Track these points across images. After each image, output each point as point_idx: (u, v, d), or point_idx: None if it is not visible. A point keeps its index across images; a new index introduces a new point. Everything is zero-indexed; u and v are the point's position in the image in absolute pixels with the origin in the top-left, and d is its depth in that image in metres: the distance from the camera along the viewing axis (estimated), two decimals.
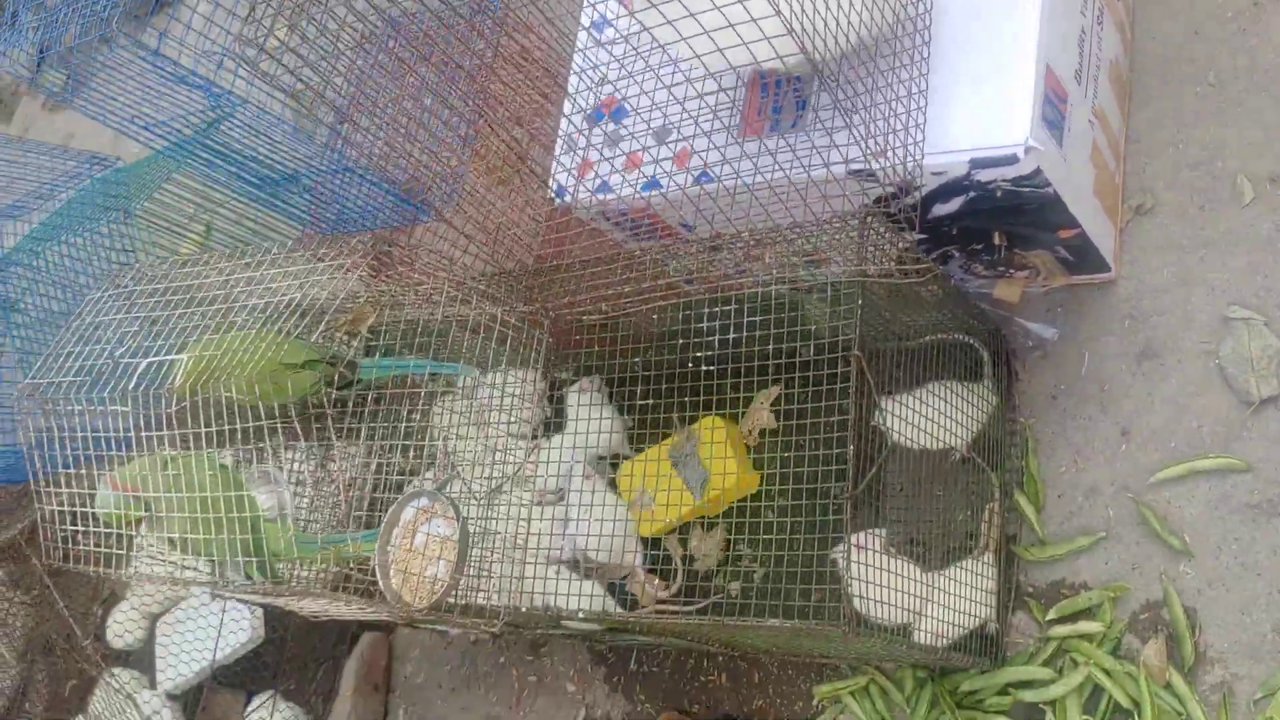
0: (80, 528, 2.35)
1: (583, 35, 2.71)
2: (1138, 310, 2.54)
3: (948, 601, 2.35)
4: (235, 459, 2.55)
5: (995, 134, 2.11)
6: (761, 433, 2.90)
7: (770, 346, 2.41)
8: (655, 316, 2.76)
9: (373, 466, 2.69)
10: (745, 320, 2.49)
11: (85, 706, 3.73)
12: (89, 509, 2.35)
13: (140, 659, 3.82)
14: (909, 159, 2.09)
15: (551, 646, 3.18)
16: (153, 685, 3.70)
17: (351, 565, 2.44)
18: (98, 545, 2.35)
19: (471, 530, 2.29)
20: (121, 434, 2.31)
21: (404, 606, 2.25)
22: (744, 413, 2.91)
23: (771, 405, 2.89)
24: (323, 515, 2.67)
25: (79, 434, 2.36)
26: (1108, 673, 2.35)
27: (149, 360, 2.23)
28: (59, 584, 4.06)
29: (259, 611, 3.55)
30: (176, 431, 2.26)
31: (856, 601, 2.21)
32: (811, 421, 2.37)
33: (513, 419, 2.90)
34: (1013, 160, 2.12)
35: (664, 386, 2.78)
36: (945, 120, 2.16)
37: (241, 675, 3.53)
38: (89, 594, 4.01)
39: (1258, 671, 2.24)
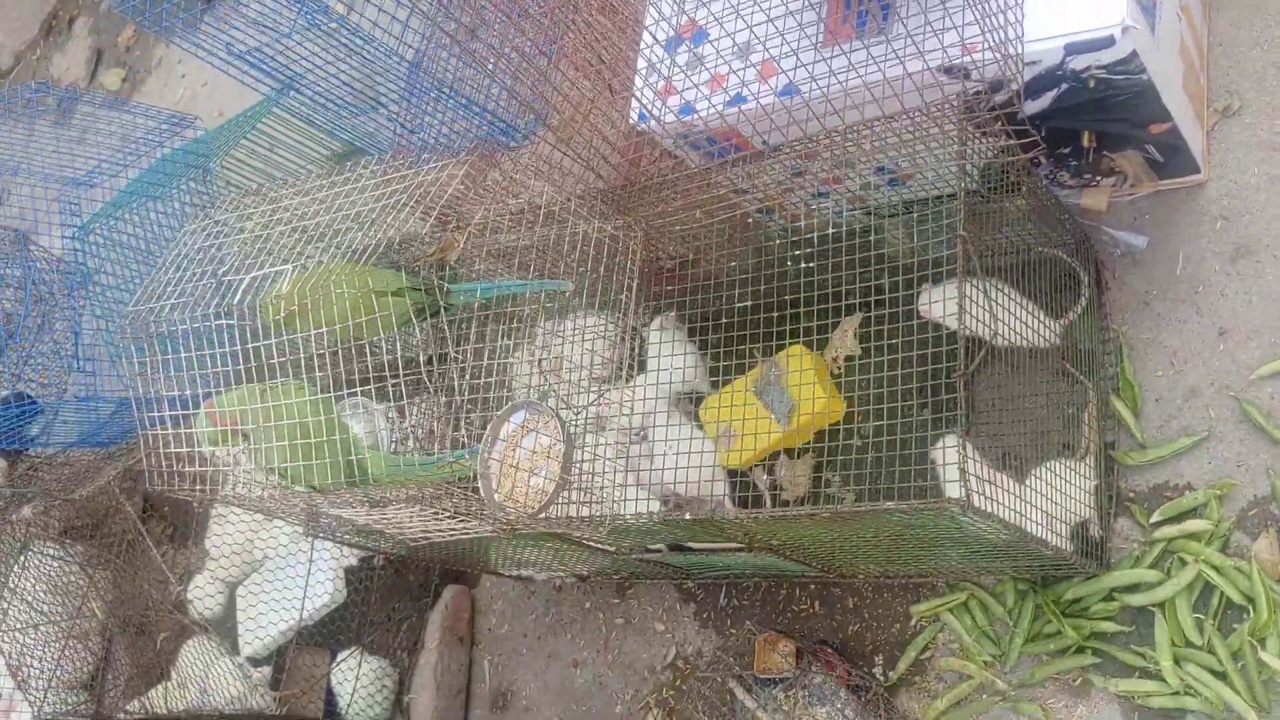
0: (182, 449, 2.37)
1: None
2: (1229, 210, 2.52)
3: (1049, 502, 2.33)
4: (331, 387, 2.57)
5: (1092, 16, 2.11)
6: (846, 359, 2.89)
7: (853, 272, 2.41)
8: (737, 250, 2.79)
9: (469, 389, 2.70)
10: (830, 249, 2.50)
11: (169, 673, 3.75)
12: (189, 431, 2.38)
13: (220, 627, 3.83)
14: (1009, 45, 2.09)
15: (637, 589, 3.17)
16: (235, 651, 3.72)
17: (452, 484, 2.45)
18: (199, 469, 2.37)
19: (574, 436, 2.29)
20: (221, 362, 2.34)
21: (508, 515, 2.26)
22: (827, 341, 2.90)
23: (855, 331, 2.89)
24: (420, 439, 2.68)
25: (180, 362, 2.39)
26: (1218, 569, 2.32)
27: (252, 275, 2.26)
28: (138, 559, 4.10)
29: (340, 572, 3.56)
30: (275, 360, 2.30)
31: (977, 498, 2.20)
32: (890, 343, 2.38)
33: (599, 358, 2.92)
34: (1109, 43, 2.11)
35: (747, 319, 2.78)
36: (1037, 6, 2.16)
37: (324, 635, 3.54)
38: (168, 565, 4.03)
39: None
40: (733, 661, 2.69)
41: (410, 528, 2.46)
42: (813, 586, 2.86)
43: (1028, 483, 2.39)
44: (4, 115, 4.18)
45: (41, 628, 3.48)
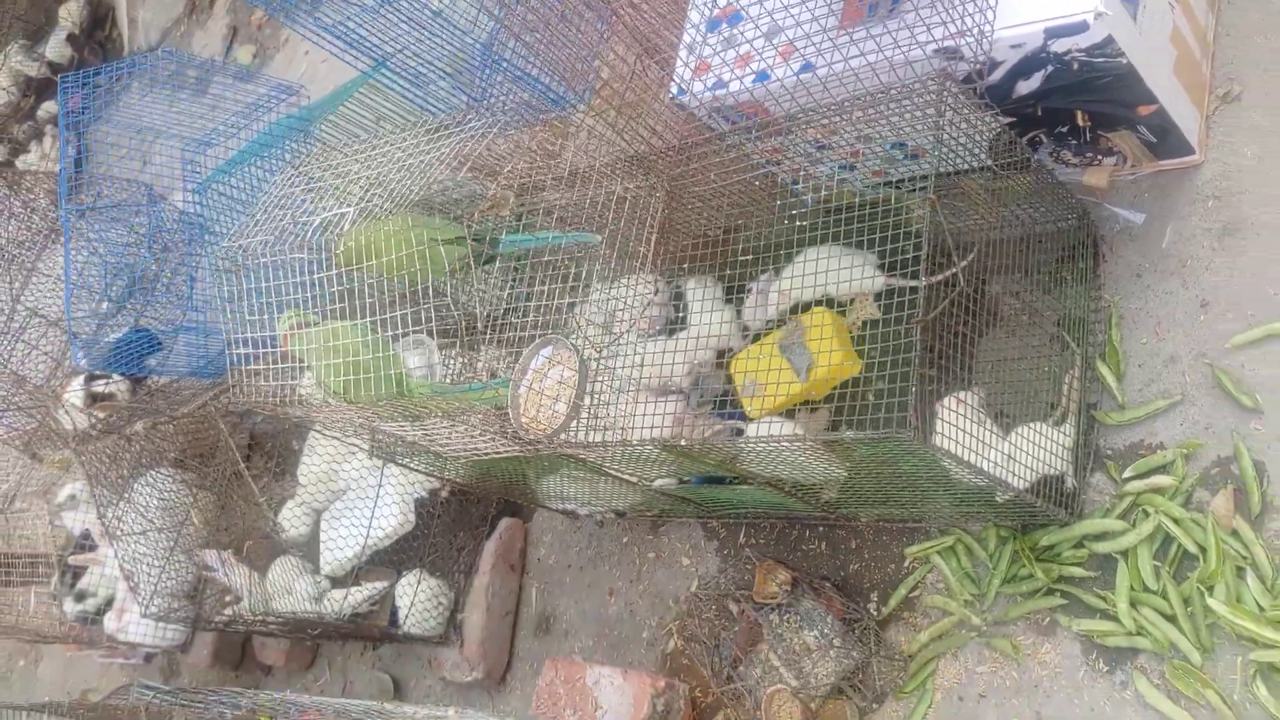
0: (265, 366, 2.74)
1: None
2: (1221, 190, 2.67)
3: (1028, 450, 2.53)
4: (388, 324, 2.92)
5: (1068, 3, 2.31)
6: (865, 324, 3.12)
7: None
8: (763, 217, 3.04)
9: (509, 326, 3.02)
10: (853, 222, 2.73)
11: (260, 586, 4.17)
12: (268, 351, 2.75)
13: (305, 548, 4.25)
14: (983, 31, 2.31)
15: (669, 527, 3.45)
16: (316, 570, 4.12)
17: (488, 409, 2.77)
18: (276, 382, 2.74)
19: (591, 367, 2.59)
20: (293, 290, 2.71)
21: (529, 434, 2.57)
22: (850, 306, 3.13)
23: (875, 299, 3.11)
24: (466, 371, 3.01)
25: (263, 289, 2.76)
26: (1177, 521, 2.49)
27: (323, 217, 2.62)
28: (239, 489, 4.55)
29: (410, 503, 3.93)
30: (338, 290, 2.65)
31: (938, 438, 2.42)
32: (909, 313, 2.59)
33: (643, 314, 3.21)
34: (1083, 28, 2.31)
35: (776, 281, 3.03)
36: None
37: (393, 558, 3.91)
38: (266, 494, 4.46)
39: None
40: (734, 587, 2.95)
41: (452, 445, 2.79)
42: (821, 528, 3.11)
43: (1010, 437, 2.61)
44: (150, 84, 4.68)
45: (151, 534, 3.92)
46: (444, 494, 3.86)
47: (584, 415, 2.62)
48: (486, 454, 2.75)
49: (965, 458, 2.31)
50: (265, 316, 2.77)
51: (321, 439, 4.21)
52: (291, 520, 4.27)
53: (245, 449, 4.71)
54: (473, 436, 2.70)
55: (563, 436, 2.57)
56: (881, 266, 2.93)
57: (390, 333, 2.71)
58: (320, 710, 2.89)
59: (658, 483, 2.96)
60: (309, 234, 2.64)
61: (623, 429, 2.70)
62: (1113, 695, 2.51)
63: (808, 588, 2.82)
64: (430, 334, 3.02)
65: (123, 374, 3.93)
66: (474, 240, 2.90)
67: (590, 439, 2.62)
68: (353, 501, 4.10)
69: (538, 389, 2.66)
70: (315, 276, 2.61)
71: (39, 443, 4.17)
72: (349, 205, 2.70)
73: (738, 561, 3.21)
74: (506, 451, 2.71)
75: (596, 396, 2.64)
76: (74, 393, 3.93)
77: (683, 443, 2.48)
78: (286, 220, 2.75)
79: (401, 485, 3.92)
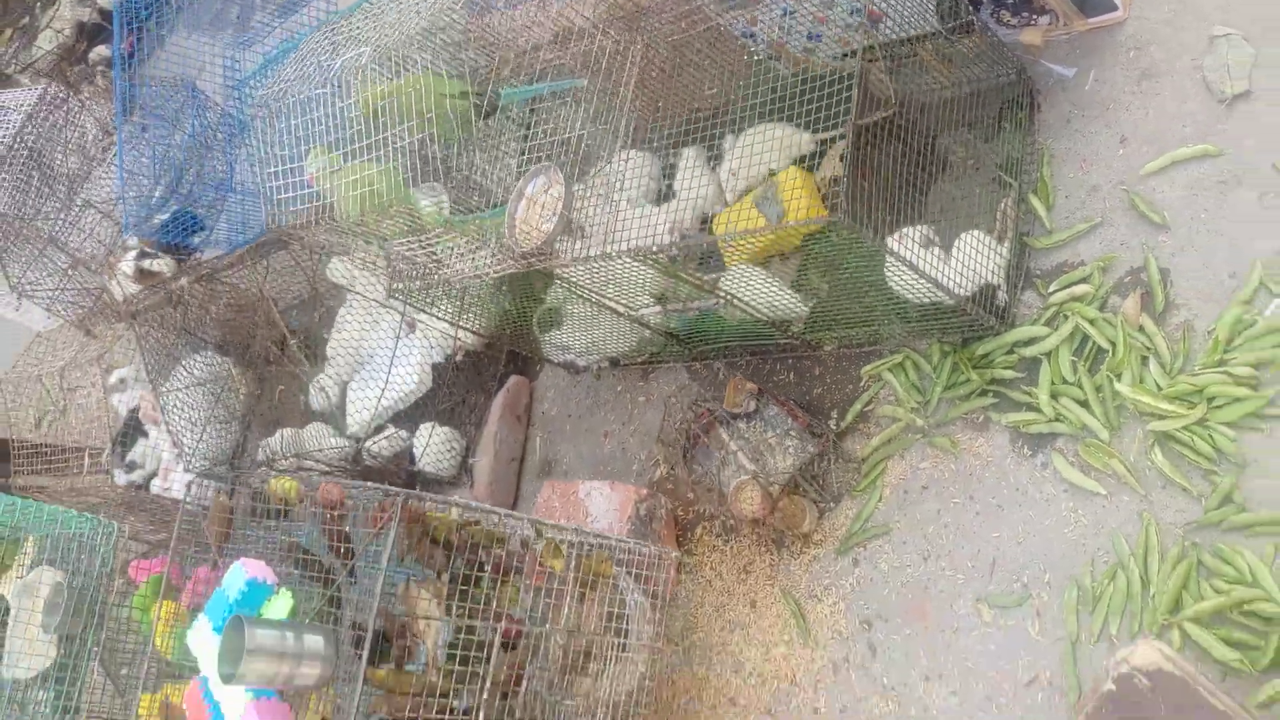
0: (293, 193, 3.13)
1: None
2: (1140, 41, 3.01)
3: (967, 260, 2.88)
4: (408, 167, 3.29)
5: None
6: (833, 180, 3.47)
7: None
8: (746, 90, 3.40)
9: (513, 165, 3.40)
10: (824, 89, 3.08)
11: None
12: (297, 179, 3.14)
13: (332, 416, 4.65)
14: None
15: (658, 373, 3.82)
16: (342, 434, 4.52)
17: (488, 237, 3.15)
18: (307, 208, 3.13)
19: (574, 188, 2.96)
20: (319, 124, 3.09)
21: (520, 248, 2.94)
22: (819, 165, 3.49)
23: (840, 158, 3.46)
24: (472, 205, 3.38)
25: (292, 128, 3.15)
26: (1092, 322, 2.84)
27: (343, 58, 3.01)
28: (275, 372, 4.96)
29: (427, 367, 4.33)
30: (358, 128, 3.04)
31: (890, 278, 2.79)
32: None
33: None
34: None
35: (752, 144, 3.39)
36: None
37: (412, 416, 4.31)
38: (300, 374, 4.87)
39: (1212, 310, 2.70)
40: (709, 397, 3.31)
41: (458, 268, 3.17)
42: (789, 360, 3.47)
43: (952, 250, 2.96)
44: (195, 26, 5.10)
45: (193, 390, 4.33)
46: (458, 357, 4.25)
47: (570, 229, 2.99)
48: (488, 274, 3.12)
49: (906, 257, 2.66)
50: (295, 150, 3.17)
51: (349, 316, 4.62)
52: (321, 393, 4.67)
53: (280, 338, 5.12)
54: (475, 254, 3.08)
55: (551, 249, 2.95)
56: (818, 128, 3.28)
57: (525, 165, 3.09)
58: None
59: (643, 312, 3.33)
60: (332, 73, 3.03)
61: (604, 242, 3.06)
62: (1034, 475, 2.86)
63: (772, 399, 3.18)
64: (440, 178, 3.40)
65: (170, 243, 4.33)
66: (476, 95, 3.29)
67: (576, 253, 3.00)
68: (376, 370, 4.50)
69: (533, 212, 3.04)
70: (339, 107, 2.99)
71: (93, 319, 4.58)
72: (363, 44, 3.09)
73: (714, 385, 3.57)
74: (506, 269, 3.08)
75: (582, 213, 3.01)
76: (125, 265, 4.34)
77: (658, 251, 2.85)
78: (312, 66, 3.14)
79: (419, 351, 4.31)
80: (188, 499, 3.12)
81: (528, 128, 3.31)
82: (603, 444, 3.89)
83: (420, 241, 3.11)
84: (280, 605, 2.62)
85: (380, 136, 3.08)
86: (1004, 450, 2.94)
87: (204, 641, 2.68)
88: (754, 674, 3.20)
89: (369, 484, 2.63)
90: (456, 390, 4.21)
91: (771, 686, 3.15)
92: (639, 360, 3.82)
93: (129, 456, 4.90)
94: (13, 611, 3.19)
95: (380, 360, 4.47)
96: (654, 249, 2.89)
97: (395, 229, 3.14)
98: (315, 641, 2.47)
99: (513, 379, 4.16)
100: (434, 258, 3.18)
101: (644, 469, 3.73)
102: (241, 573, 2.66)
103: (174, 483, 4.65)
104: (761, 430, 3.17)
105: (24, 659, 3.15)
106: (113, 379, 4.97)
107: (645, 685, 3.04)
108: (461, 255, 3.17)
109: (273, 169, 3.14)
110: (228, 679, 2.40)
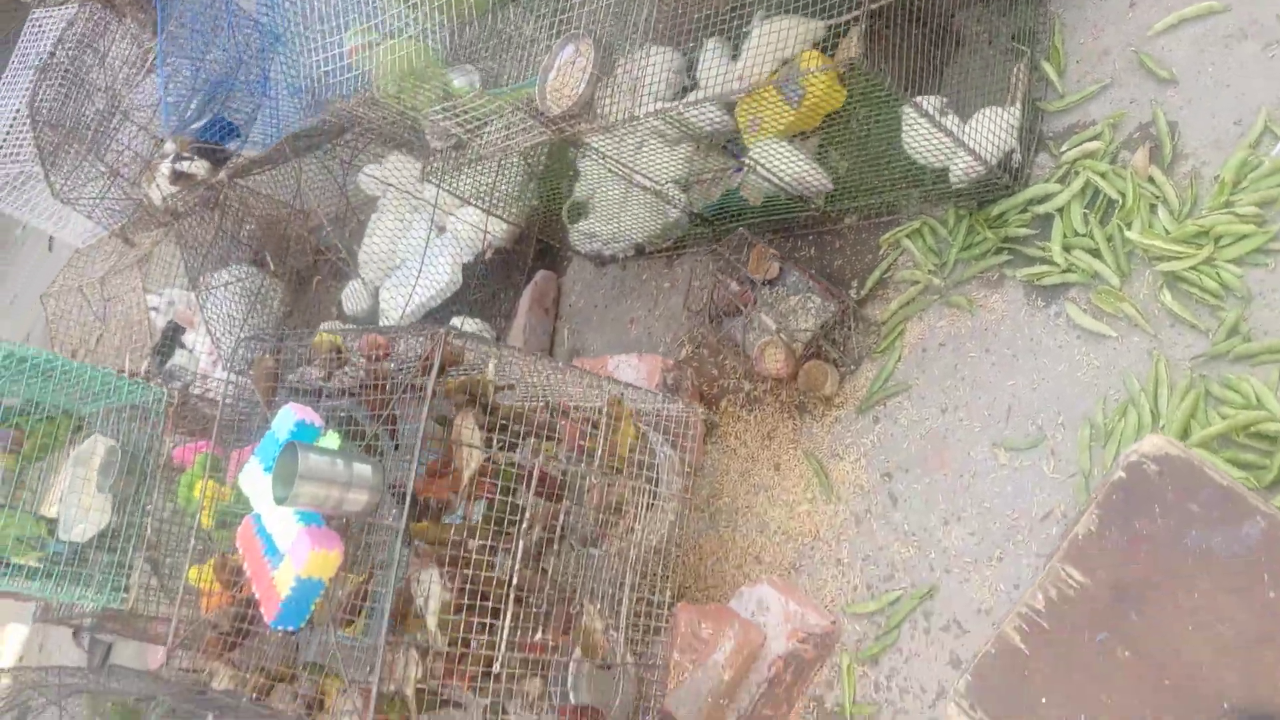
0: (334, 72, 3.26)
1: None
2: None
3: (984, 128, 2.99)
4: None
5: None
6: (850, 61, 3.57)
7: None
8: None
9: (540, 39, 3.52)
10: None
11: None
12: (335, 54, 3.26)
13: (365, 321, 4.78)
14: None
15: (682, 259, 3.94)
16: None
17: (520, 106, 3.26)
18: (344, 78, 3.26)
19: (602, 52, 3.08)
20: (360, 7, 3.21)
21: (551, 111, 3.06)
22: (837, 49, 3.59)
23: (856, 39, 3.56)
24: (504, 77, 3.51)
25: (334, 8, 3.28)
26: (1102, 175, 2.94)
27: None
28: (308, 287, 5.09)
29: (458, 266, 4.45)
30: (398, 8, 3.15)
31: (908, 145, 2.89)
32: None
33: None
34: None
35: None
36: None
37: (443, 315, 4.44)
38: (330, 291, 5.01)
39: (1219, 158, 2.80)
40: (736, 262, 3.42)
41: (492, 138, 3.29)
42: (811, 236, 3.58)
43: (969, 122, 3.07)
44: None
45: (233, 287, 4.47)
46: (487, 255, 4.37)
47: (599, 93, 3.11)
48: (521, 143, 3.25)
49: (925, 110, 2.77)
50: (337, 29, 3.30)
51: (381, 222, 4.75)
52: (353, 300, 4.81)
53: (313, 253, 5.26)
54: (508, 123, 3.20)
55: (582, 112, 3.07)
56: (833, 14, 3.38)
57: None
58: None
59: (668, 187, 3.45)
60: None
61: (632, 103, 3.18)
62: (1048, 324, 2.97)
63: (794, 266, 3.30)
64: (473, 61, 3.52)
65: (207, 141, 4.46)
66: None
67: (603, 117, 3.11)
68: (408, 274, 4.63)
69: (563, 79, 3.16)
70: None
71: (133, 228, 4.73)
72: None
73: (741, 275, 3.69)
74: (538, 138, 3.20)
75: (611, 79, 3.13)
76: (163, 168, 4.47)
77: (679, 110, 2.96)
78: None
79: (449, 250, 4.44)
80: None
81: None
82: (629, 330, 4.01)
83: (453, 109, 3.23)
84: (329, 444, 2.75)
85: (416, 14, 3.21)
86: (1018, 304, 3.05)
87: (255, 480, 2.82)
88: (779, 532, 3.33)
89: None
90: (486, 287, 4.34)
91: (796, 542, 3.28)
92: (664, 247, 3.94)
93: (167, 366, 5.05)
94: (68, 478, 3.33)
95: (411, 264, 4.60)
96: (679, 106, 3.01)
97: (429, 98, 3.26)
98: (364, 470, 2.61)
99: (540, 273, 4.29)
100: (467, 127, 3.30)
101: (669, 350, 3.85)
102: (290, 415, 2.80)
103: (212, 388, 4.79)
104: (784, 295, 3.29)
105: (81, 521, 3.29)
106: (151, 300, 5.12)
107: (675, 535, 3.17)
108: (494, 125, 3.29)
109: (314, 46, 3.26)
110: (281, 501, 2.53)
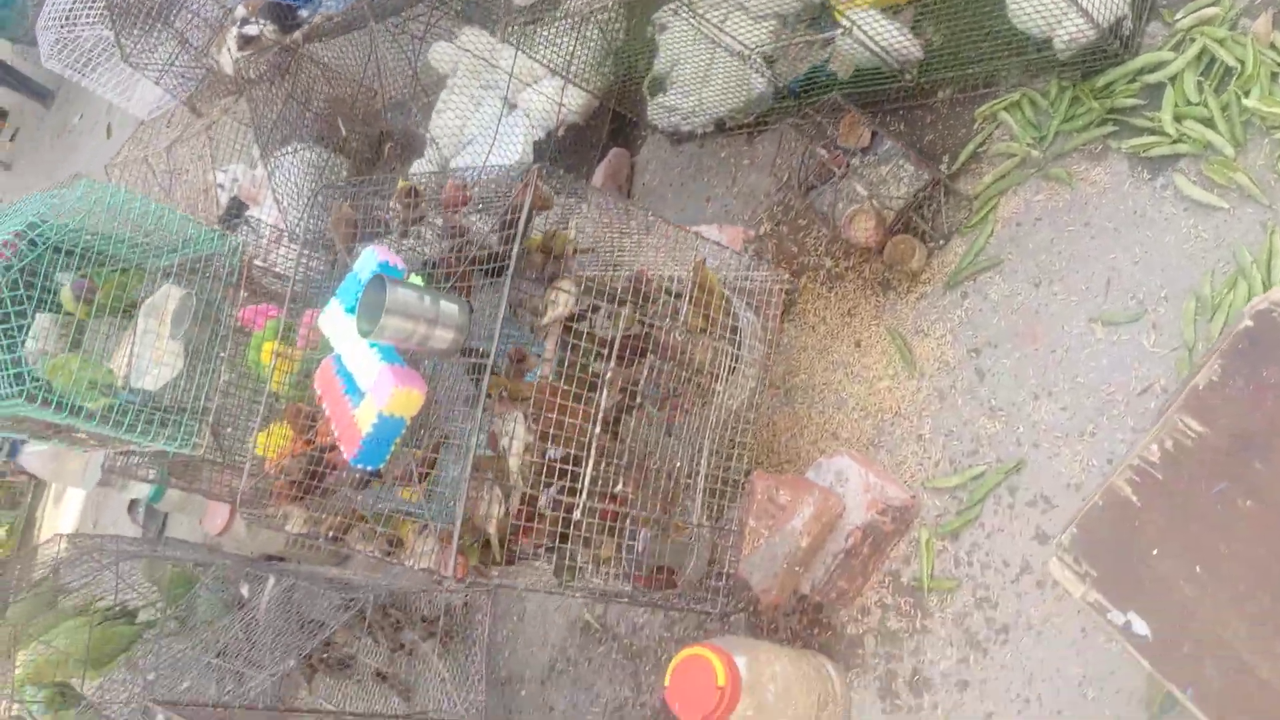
0: None
1: None
2: None
3: None
4: None
5: None
6: None
7: None
8: None
9: None
10: None
11: None
12: None
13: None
14: None
15: (763, 136, 3.84)
16: None
17: None
18: None
19: None
20: None
21: None
22: None
23: None
24: None
25: None
26: (1220, 42, 2.82)
27: None
28: (372, 171, 5.03)
29: (529, 144, 4.37)
30: None
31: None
32: None
33: None
34: None
35: None
36: None
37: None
38: (397, 173, 4.95)
39: None
40: (826, 130, 3.32)
41: None
42: (901, 110, 3.47)
43: None
44: None
45: (301, 154, 4.42)
46: (560, 132, 4.29)
47: None
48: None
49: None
50: None
51: (451, 99, 4.67)
52: (423, 174, 4.74)
53: (377, 137, 5.19)
54: None
55: None
56: None
57: None
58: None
59: (754, 55, 3.35)
60: None
61: None
62: (1154, 196, 2.87)
63: (886, 134, 3.20)
64: None
65: (278, 2, 4.40)
66: None
67: None
68: (480, 150, 4.56)
69: None
70: None
71: (200, 97, 4.68)
72: None
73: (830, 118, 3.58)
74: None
75: None
76: (231, 32, 4.41)
77: None
78: None
79: (521, 128, 4.36)
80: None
81: None
82: (705, 208, 3.93)
83: None
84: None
85: None
86: (1122, 176, 2.94)
87: (335, 321, 2.78)
88: (857, 408, 3.27)
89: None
90: (559, 164, 4.26)
91: (875, 419, 3.22)
92: (746, 122, 3.84)
93: (245, 215, 5.02)
94: (140, 328, 3.31)
95: (482, 141, 4.53)
96: None
97: None
98: (450, 308, 2.56)
99: (614, 150, 4.20)
100: None
101: (748, 225, 3.77)
102: (374, 256, 2.75)
103: (276, 260, 4.76)
104: (875, 164, 3.19)
105: (153, 368, 3.28)
106: (218, 176, 5.08)
107: (754, 402, 3.11)
108: None
109: None
110: (366, 334, 2.49)
